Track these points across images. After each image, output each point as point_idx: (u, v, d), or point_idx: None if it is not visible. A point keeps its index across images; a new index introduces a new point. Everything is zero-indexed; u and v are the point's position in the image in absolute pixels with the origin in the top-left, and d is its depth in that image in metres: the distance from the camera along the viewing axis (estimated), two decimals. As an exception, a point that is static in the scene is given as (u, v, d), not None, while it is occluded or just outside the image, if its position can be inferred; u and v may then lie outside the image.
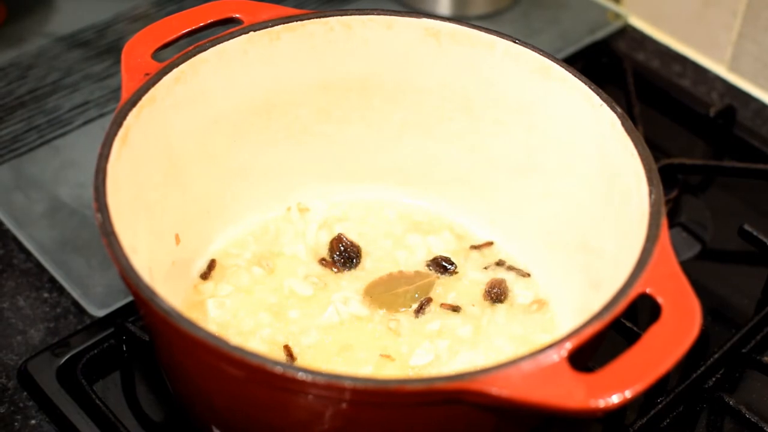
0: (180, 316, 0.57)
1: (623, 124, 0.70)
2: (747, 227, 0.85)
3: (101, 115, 0.96)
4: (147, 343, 0.75)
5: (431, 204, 0.86)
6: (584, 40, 1.08)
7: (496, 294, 0.78)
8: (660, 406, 0.74)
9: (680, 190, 0.92)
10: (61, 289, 0.82)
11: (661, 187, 0.66)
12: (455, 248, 0.83)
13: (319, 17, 0.77)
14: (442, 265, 0.81)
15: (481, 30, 0.76)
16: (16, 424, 0.74)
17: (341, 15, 0.77)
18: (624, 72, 1.02)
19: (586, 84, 0.74)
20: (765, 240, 0.84)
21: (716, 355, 0.77)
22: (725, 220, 0.91)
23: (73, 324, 0.81)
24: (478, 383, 0.55)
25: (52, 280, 0.83)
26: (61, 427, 0.74)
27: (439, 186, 0.85)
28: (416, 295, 0.78)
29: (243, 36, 0.75)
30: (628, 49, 1.10)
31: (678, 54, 1.09)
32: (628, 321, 0.77)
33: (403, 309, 0.77)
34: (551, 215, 0.79)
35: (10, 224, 0.86)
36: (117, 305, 0.80)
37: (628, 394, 0.54)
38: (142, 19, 1.06)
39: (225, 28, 0.76)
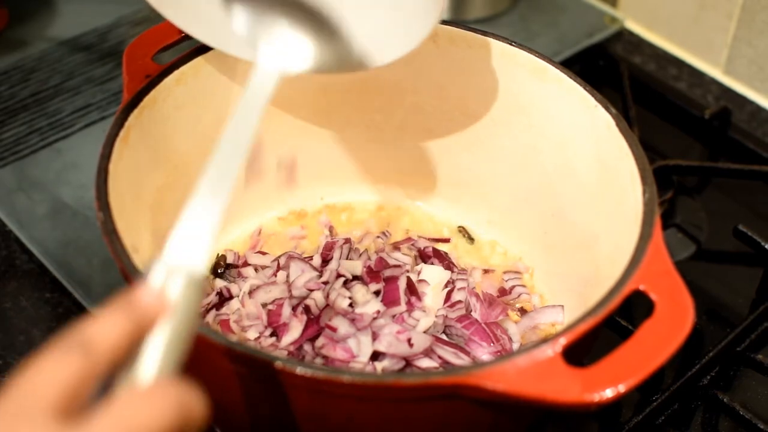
0: (181, 313, 0.58)
1: (618, 125, 0.71)
2: (742, 228, 0.85)
3: (102, 118, 0.97)
4: (148, 341, 0.75)
5: (430, 204, 0.87)
6: (581, 44, 1.09)
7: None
8: (655, 403, 0.74)
9: (676, 192, 0.93)
10: (63, 290, 0.83)
11: (655, 187, 0.67)
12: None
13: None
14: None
15: (477, 32, 0.77)
16: (18, 422, 0.75)
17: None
18: (620, 75, 1.03)
19: (581, 86, 0.74)
20: (760, 240, 0.84)
21: (711, 354, 0.77)
22: (720, 220, 0.92)
23: (75, 324, 0.81)
24: (474, 378, 0.55)
25: (54, 281, 0.83)
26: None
27: (437, 186, 0.86)
28: None
29: (243, 38, 0.76)
30: (624, 52, 1.10)
31: (674, 57, 1.10)
32: (623, 320, 0.78)
33: None
34: (548, 215, 0.80)
35: (12, 225, 0.86)
36: (118, 305, 0.81)
37: (622, 388, 0.55)
38: (143, 23, 1.07)
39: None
